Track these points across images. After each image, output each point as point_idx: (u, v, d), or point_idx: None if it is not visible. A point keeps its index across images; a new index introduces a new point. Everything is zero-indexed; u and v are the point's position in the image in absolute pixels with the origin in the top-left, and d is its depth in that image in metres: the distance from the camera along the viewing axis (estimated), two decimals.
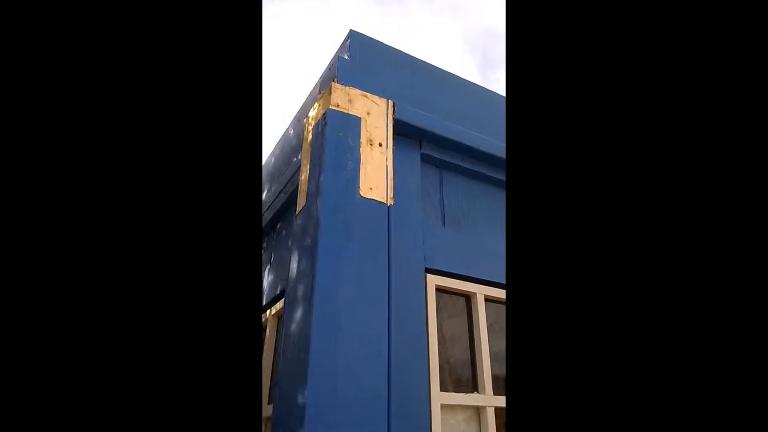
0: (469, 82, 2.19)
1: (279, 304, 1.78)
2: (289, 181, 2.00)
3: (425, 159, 1.79)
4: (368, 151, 1.57)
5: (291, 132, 2.37)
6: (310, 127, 1.69)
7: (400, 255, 1.48)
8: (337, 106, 1.59)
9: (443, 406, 1.40)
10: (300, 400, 1.15)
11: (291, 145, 2.19)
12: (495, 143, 1.90)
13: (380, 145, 1.61)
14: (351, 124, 1.58)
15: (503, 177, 2.00)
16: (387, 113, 1.69)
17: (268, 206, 2.26)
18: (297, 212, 1.58)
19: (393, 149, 1.65)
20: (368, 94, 1.68)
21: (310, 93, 2.19)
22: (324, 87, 1.77)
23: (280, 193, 2.12)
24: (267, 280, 1.96)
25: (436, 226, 1.73)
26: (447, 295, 1.65)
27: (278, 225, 2.21)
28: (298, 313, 1.31)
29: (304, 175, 1.62)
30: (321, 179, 1.43)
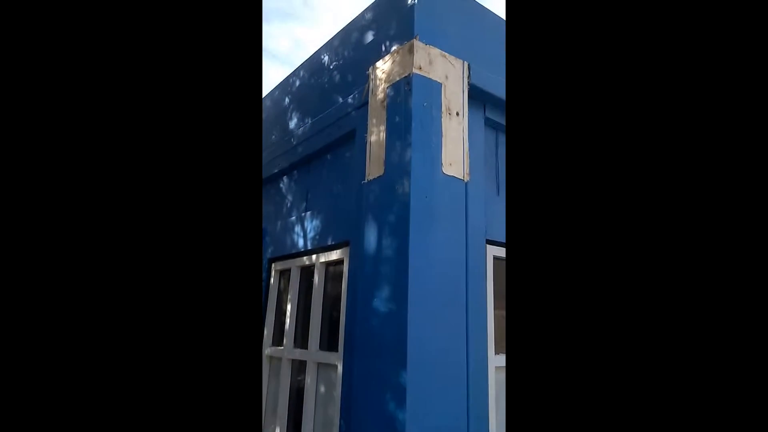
0: None
1: (332, 254, 1.80)
2: (332, 123, 1.90)
3: (487, 123, 1.75)
4: (447, 122, 1.52)
5: (325, 57, 2.18)
6: (383, 85, 1.58)
7: (471, 230, 1.52)
8: (420, 69, 1.48)
9: (497, 368, 1.57)
10: (399, 382, 1.24)
11: (335, 80, 2.04)
12: None
13: (457, 114, 1.56)
14: (433, 92, 1.50)
15: None
16: (463, 77, 1.61)
17: (302, 141, 2.15)
18: (369, 178, 1.55)
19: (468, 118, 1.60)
20: (447, 55, 1.57)
21: (359, 18, 1.99)
22: (396, 38, 1.62)
23: (317, 132, 2.02)
24: (307, 227, 1.95)
25: (492, 195, 1.76)
26: (498, 262, 1.74)
27: (313, 161, 2.14)
28: (386, 292, 1.36)
29: (374, 138, 1.56)
30: (409, 156, 1.39)
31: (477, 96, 1.69)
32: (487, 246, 1.63)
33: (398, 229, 1.37)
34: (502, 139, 1.86)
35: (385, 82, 1.58)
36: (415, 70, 1.47)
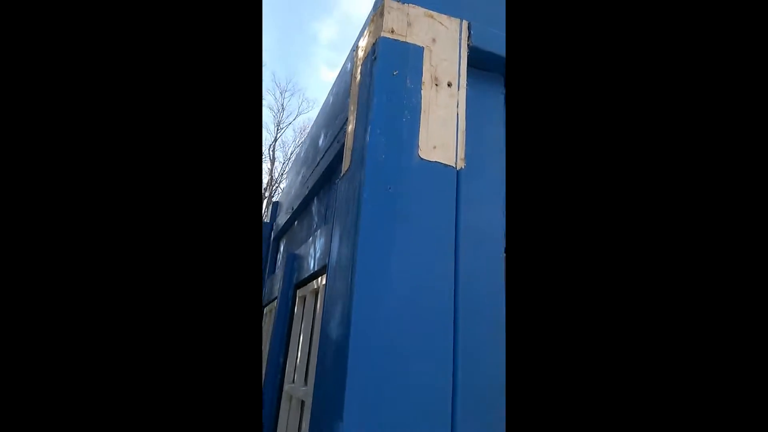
0: None
1: (321, 280, 1.52)
2: (341, 129, 1.66)
3: None
4: (432, 95, 1.16)
5: (348, 65, 1.98)
6: (359, 63, 1.31)
7: (472, 235, 1.11)
8: (392, 32, 1.17)
9: None
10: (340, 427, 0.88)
11: (346, 83, 1.82)
12: None
13: (449, 85, 1.20)
14: (409, 58, 1.17)
15: None
16: (460, 39, 1.25)
17: (323, 155, 1.95)
18: (341, 175, 1.26)
19: (467, 90, 1.22)
20: (434, 14, 1.24)
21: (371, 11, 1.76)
22: (377, 5, 1.34)
23: (333, 141, 1.79)
24: (317, 245, 1.70)
25: None
26: None
27: (331, 179, 1.91)
28: (337, 314, 1.03)
29: (350, 127, 1.27)
30: (367, 138, 1.07)
31: (493, 66, 1.30)
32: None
33: (351, 233, 1.04)
34: None
35: (361, 60, 1.30)
36: (384, 34, 1.16)
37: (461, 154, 1.15)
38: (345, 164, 1.23)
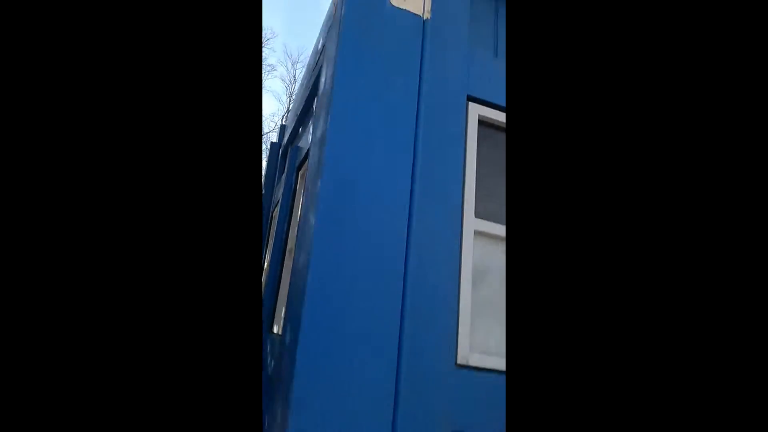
0: None
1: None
2: None
3: None
4: None
5: None
6: None
7: (436, 78, 1.35)
8: None
9: (476, 233, 1.34)
10: (304, 260, 1.15)
11: None
12: None
13: None
14: None
15: None
16: None
17: (320, 54, 2.18)
18: (329, 28, 1.50)
19: None
20: None
21: None
22: None
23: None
24: (316, 125, 1.95)
25: (486, 56, 1.55)
26: (491, 129, 1.51)
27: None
28: (320, 126, 1.28)
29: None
30: None
31: None
32: (470, 103, 1.43)
33: (333, 59, 1.29)
34: (501, 8, 1.64)
35: None
36: None
37: (428, 6, 1.38)
38: (334, 27, 1.47)
